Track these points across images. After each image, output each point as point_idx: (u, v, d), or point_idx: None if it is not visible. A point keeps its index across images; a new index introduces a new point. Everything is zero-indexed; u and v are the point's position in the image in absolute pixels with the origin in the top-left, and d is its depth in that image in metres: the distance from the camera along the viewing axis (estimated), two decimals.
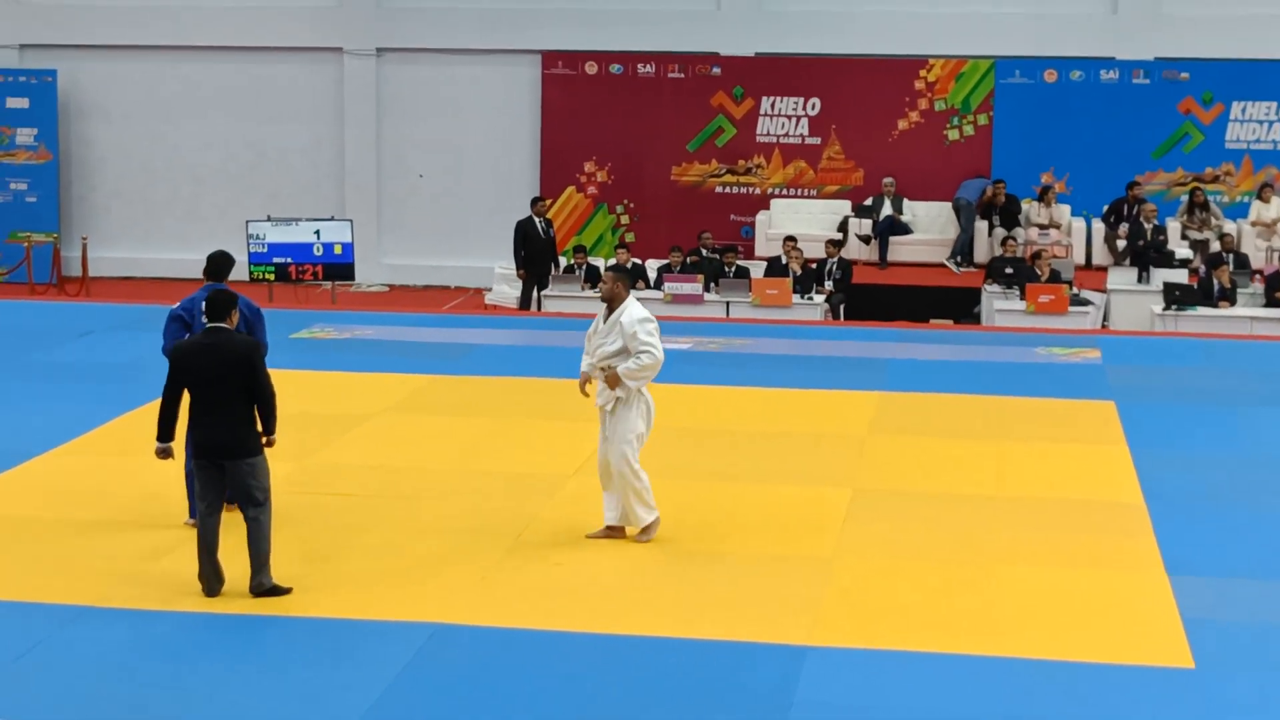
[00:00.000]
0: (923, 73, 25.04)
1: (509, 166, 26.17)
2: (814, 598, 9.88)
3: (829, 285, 22.09)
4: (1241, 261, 22.11)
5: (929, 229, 24.43)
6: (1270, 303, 20.99)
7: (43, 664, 8.85)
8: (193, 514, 10.59)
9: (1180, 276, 21.79)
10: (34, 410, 14.63)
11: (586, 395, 11.07)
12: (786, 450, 13.51)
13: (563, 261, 22.98)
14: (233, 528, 9.95)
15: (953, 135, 25.09)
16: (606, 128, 25.67)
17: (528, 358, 17.50)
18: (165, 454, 10.03)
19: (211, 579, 9.78)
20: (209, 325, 9.88)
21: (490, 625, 9.39)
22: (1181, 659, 9.00)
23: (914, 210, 24.53)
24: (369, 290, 25.94)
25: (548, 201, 24.18)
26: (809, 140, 25.40)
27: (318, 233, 23.56)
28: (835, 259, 22.48)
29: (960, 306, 22.67)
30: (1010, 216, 23.76)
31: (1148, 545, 11.00)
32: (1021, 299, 21.07)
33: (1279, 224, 23.38)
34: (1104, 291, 22.01)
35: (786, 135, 25.46)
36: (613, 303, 10.91)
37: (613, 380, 10.74)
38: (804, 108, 25.36)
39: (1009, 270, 21.90)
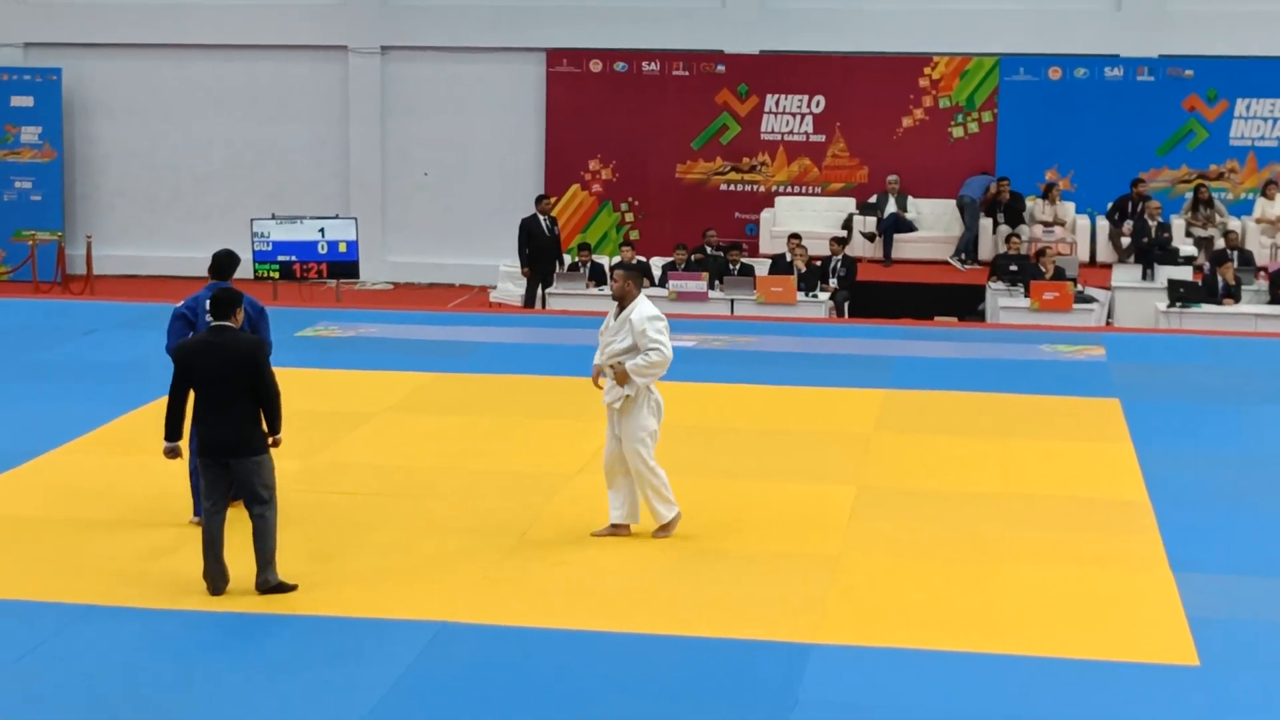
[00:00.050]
0: (927, 70, 25.02)
1: (514, 164, 26.16)
2: (818, 595, 9.87)
3: (833, 283, 22.07)
4: (1246, 258, 22.10)
5: (933, 226, 24.40)
6: (1275, 299, 20.97)
7: (47, 663, 8.85)
8: (197, 512, 10.60)
9: (1185, 274, 21.76)
10: (38, 409, 14.63)
11: (599, 387, 11.08)
12: (791, 448, 13.50)
13: (567, 259, 22.97)
14: (238, 525, 9.94)
15: (957, 132, 25.07)
16: (611, 125, 25.66)
17: (532, 356, 17.50)
18: (173, 453, 10.03)
19: (216, 577, 9.78)
20: (214, 324, 9.87)
21: (495, 623, 9.39)
22: (1187, 657, 8.99)
23: (918, 208, 24.51)
24: (374, 288, 25.93)
25: (552, 199, 24.17)
26: (814, 138, 25.39)
27: (322, 231, 23.56)
28: (840, 256, 22.46)
29: (965, 304, 22.64)
30: (1015, 214, 23.74)
31: (1153, 543, 10.99)
32: (1026, 296, 21.04)
33: None
34: (1109, 289, 21.98)
35: (791, 133, 25.45)
36: (624, 300, 10.93)
37: (621, 376, 10.75)
38: (808, 105, 25.34)
39: (1013, 268, 21.89)
